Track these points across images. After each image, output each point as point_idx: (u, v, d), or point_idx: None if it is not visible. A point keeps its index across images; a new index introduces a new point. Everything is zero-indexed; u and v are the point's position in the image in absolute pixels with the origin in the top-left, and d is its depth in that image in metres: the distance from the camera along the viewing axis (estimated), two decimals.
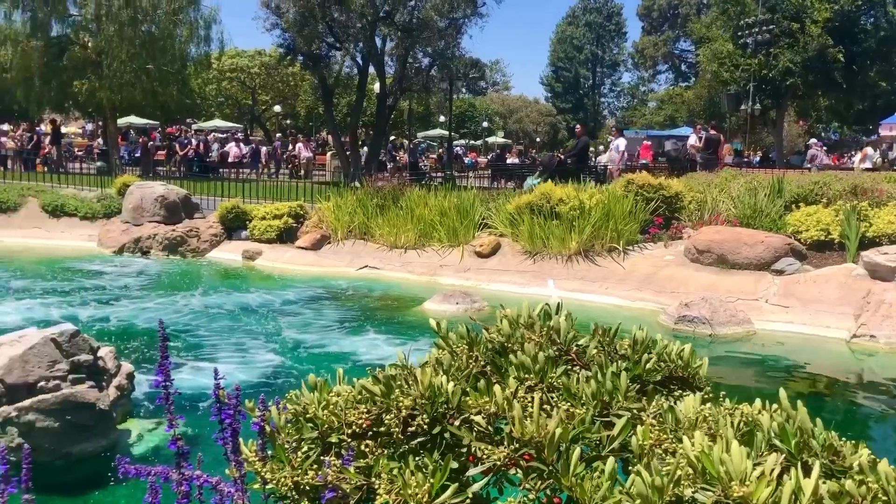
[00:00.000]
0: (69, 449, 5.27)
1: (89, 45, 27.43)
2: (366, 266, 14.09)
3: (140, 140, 31.78)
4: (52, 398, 5.17)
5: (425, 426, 1.38)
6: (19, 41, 26.11)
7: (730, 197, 13.42)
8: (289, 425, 1.59)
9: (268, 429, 1.57)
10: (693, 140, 22.17)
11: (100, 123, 37.73)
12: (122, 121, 34.48)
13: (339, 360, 8.32)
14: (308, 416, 1.51)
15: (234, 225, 16.00)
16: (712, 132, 21.46)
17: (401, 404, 1.40)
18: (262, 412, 1.57)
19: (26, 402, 5.11)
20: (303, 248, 15.02)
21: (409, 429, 1.40)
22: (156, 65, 27.32)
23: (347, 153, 27.94)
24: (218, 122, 46.21)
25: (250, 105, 49.85)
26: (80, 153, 33.56)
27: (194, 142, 32.96)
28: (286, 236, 15.47)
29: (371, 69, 27.30)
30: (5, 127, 34.14)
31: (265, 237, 15.37)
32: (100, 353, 5.78)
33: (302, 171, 30.00)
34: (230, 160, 30.41)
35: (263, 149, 34.41)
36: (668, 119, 59.16)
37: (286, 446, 1.56)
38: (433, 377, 1.40)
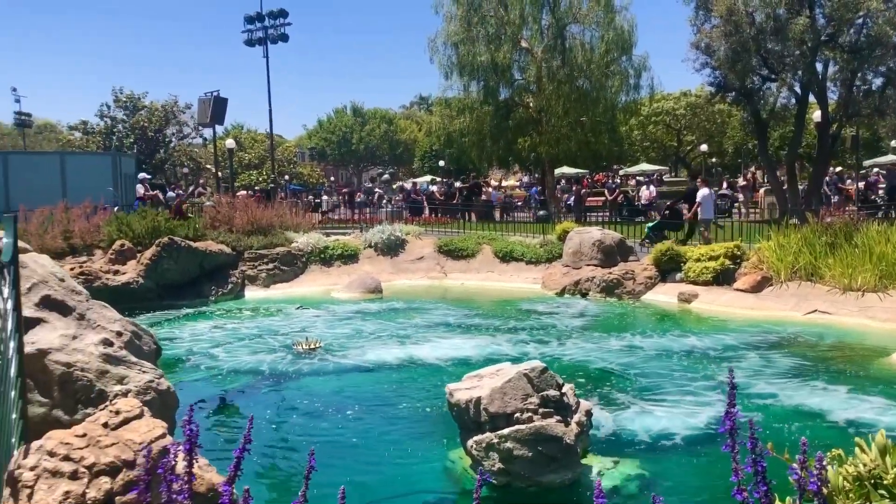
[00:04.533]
0: (540, 478, 5.69)
1: (531, 105, 30.31)
2: (815, 310, 12.91)
3: (573, 188, 33.78)
4: (526, 429, 5.65)
5: None
6: (474, 108, 30.02)
7: None
8: (848, 489, 1.47)
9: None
10: None
11: (536, 175, 41.18)
12: (556, 171, 37.16)
13: (801, 415, 7.67)
14: (885, 482, 1.38)
15: (667, 267, 15.98)
16: None
17: None
18: (819, 471, 1.48)
19: (505, 431, 5.68)
20: (741, 290, 14.36)
21: None
22: (589, 116, 28.97)
23: (784, 188, 26.11)
24: (644, 166, 46.97)
25: (675, 146, 49.89)
26: (518, 203, 36.89)
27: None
28: (722, 278, 14.95)
29: (811, 97, 25.24)
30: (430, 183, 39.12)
31: (700, 279, 15.05)
32: (563, 390, 6.17)
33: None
34: (643, 202, 30.61)
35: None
36: None
37: None
38: None
